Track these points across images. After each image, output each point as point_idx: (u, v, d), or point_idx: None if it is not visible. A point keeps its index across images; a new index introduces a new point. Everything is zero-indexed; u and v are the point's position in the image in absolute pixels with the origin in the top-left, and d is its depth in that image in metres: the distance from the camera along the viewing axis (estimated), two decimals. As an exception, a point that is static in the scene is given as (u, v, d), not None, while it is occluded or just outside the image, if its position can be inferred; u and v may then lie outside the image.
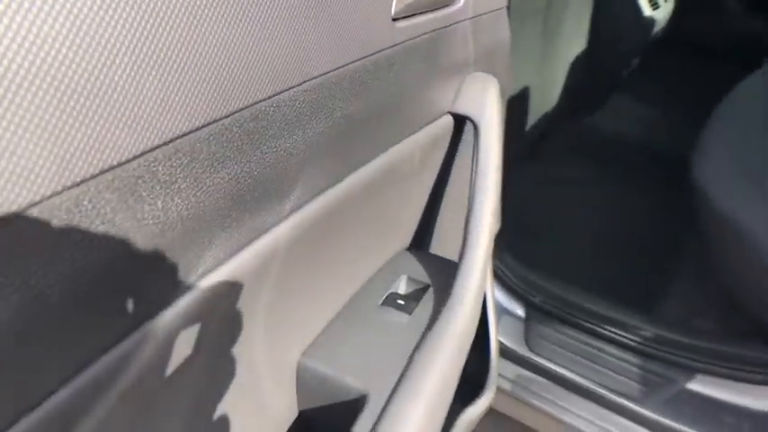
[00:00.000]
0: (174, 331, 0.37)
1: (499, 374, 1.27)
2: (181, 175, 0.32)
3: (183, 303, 0.37)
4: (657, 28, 1.76)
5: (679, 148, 1.45)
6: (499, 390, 1.25)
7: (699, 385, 1.12)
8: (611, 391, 1.15)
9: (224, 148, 0.35)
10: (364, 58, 0.49)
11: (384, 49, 0.51)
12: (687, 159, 1.27)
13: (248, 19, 0.35)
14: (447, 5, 0.62)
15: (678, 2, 1.91)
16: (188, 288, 0.37)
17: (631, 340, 1.20)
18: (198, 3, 0.31)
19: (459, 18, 0.64)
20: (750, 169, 1.17)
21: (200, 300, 0.38)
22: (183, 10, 0.30)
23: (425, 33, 0.59)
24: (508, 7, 0.78)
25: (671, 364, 1.16)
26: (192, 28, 0.31)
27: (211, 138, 0.34)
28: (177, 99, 0.31)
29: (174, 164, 0.32)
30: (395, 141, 0.61)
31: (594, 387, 1.16)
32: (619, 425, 1.14)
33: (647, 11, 1.66)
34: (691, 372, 1.14)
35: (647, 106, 1.93)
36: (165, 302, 0.36)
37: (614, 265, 1.47)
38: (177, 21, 0.30)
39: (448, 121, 0.68)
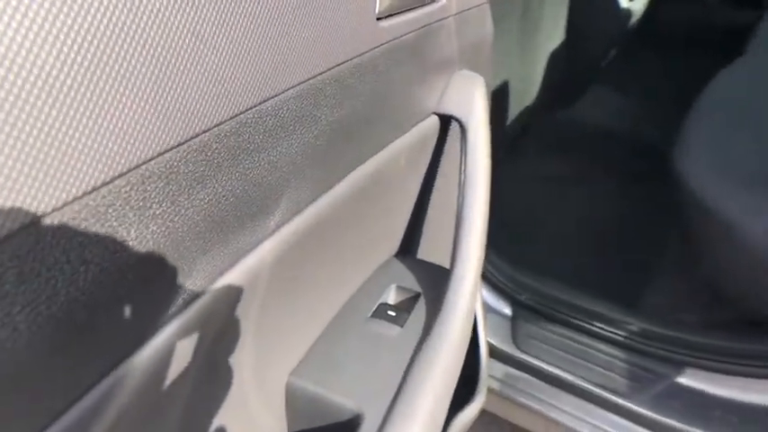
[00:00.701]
0: (157, 361, 0.34)
1: (488, 374, 1.25)
2: (156, 200, 0.29)
3: (164, 334, 0.34)
4: (634, 19, 1.76)
5: (660, 140, 1.45)
6: (488, 389, 1.23)
7: (687, 379, 1.12)
8: (600, 387, 1.14)
9: (203, 166, 0.32)
10: (349, 60, 0.46)
11: (369, 50, 0.49)
12: (668, 151, 1.27)
13: (226, 25, 0.32)
14: (431, 2, 0.59)
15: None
16: (169, 318, 0.34)
17: (619, 335, 1.19)
18: (172, 12, 0.28)
19: (443, 15, 0.61)
20: (733, 161, 1.17)
21: (182, 328, 0.35)
22: (156, 21, 0.27)
23: (410, 32, 0.56)
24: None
25: (659, 359, 1.15)
26: (166, 38, 0.28)
27: (189, 156, 0.31)
28: (151, 117, 0.27)
29: (149, 188, 0.28)
30: (382, 145, 0.58)
31: (583, 384, 1.15)
32: (608, 421, 1.13)
33: (623, 2, 1.65)
34: (679, 366, 1.13)
35: (628, 98, 1.93)
36: (146, 336, 0.33)
37: (599, 261, 1.46)
38: (149, 32, 0.27)
39: (434, 121, 0.65)
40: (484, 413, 1.29)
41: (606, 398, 1.13)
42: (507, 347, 1.25)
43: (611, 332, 1.20)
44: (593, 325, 1.22)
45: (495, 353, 1.25)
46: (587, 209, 1.62)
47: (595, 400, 1.14)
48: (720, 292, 1.23)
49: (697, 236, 1.21)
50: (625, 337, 1.19)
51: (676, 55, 2.00)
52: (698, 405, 1.09)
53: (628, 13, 1.68)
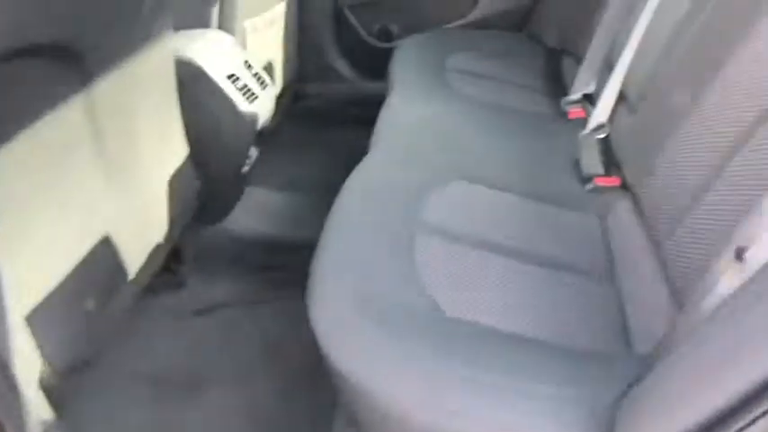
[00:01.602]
0: None
1: None
2: None
3: None
4: (265, 117, 1.61)
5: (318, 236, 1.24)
6: None
7: None
8: None
9: None
10: None
11: None
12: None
13: None
14: None
15: (291, 76, 1.79)
16: None
17: None
18: None
19: None
20: (361, 296, 1.02)
21: None
22: None
23: None
24: None
25: None
26: None
27: None
28: None
29: None
30: None
31: None
32: None
33: (243, 106, 1.47)
34: None
35: (281, 195, 1.78)
36: None
37: None
38: None
39: None
40: None
41: None
42: None
43: None
44: None
45: None
46: (256, 348, 1.41)
47: None
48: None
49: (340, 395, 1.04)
50: None
51: (328, 137, 1.92)
52: None
53: (253, 115, 1.51)
